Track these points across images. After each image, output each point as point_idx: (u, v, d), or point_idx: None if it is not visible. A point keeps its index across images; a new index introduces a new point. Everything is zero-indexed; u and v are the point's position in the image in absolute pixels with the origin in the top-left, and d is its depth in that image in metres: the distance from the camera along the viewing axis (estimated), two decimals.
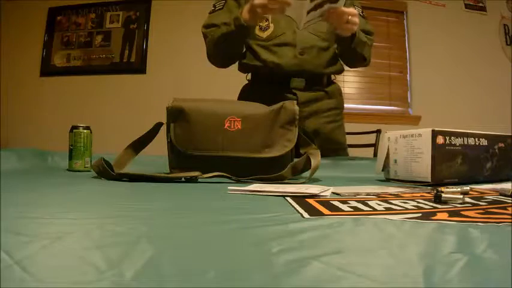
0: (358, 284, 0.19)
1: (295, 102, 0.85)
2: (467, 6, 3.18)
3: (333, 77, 1.25)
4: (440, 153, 0.69)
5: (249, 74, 1.23)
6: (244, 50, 1.21)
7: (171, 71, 2.91)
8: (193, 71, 2.83)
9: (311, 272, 0.20)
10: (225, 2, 1.18)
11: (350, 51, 1.12)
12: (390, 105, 3.07)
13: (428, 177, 0.69)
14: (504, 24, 3.20)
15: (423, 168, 0.70)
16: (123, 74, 2.97)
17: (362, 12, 1.21)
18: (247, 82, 1.25)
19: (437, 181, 0.68)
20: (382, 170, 0.82)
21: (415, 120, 2.97)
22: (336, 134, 1.23)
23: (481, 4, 3.20)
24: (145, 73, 2.96)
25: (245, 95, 1.23)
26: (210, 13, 1.21)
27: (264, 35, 1.15)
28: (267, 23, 1.15)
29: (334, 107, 1.23)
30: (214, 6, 1.21)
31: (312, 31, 1.14)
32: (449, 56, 3.10)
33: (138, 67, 2.96)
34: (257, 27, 1.15)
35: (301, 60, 1.13)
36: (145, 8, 3.01)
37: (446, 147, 0.70)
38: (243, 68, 1.23)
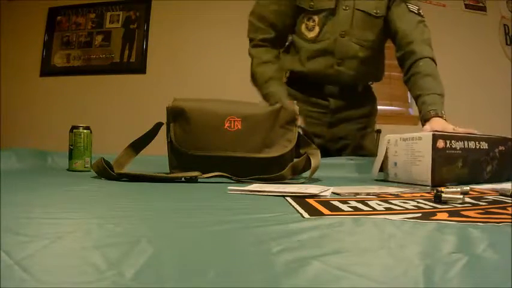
0: (358, 284, 0.19)
1: (295, 102, 0.85)
2: (467, 6, 3.18)
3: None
4: (440, 157, 0.69)
5: (288, 73, 1.20)
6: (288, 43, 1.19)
7: (171, 71, 2.91)
8: (193, 71, 2.83)
9: (311, 271, 0.20)
10: None
11: None
12: (390, 105, 3.07)
13: (428, 181, 0.68)
14: (504, 24, 3.20)
15: (423, 171, 0.69)
16: (123, 74, 2.97)
17: (418, 10, 1.13)
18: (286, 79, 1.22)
19: (437, 184, 0.68)
20: (380, 171, 0.82)
21: (415, 120, 2.96)
22: (364, 140, 1.21)
23: (481, 4, 3.20)
24: (145, 73, 2.96)
25: None
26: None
27: (309, 35, 1.12)
28: (313, 24, 1.12)
29: (366, 114, 1.21)
30: None
31: (356, 40, 1.10)
32: (449, 56, 3.09)
33: (138, 67, 2.95)
34: (303, 25, 1.13)
35: (337, 70, 1.11)
36: (145, 8, 3.01)
37: (447, 151, 0.70)
38: (284, 65, 1.20)
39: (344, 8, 1.09)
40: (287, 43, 1.20)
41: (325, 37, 1.10)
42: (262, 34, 1.15)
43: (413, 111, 3.05)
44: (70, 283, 0.18)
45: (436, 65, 1.11)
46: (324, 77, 1.12)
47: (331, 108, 1.13)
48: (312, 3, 1.10)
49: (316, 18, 1.11)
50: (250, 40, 1.18)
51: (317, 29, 1.11)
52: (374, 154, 1.25)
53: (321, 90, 1.14)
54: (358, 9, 1.09)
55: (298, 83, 1.17)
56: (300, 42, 1.14)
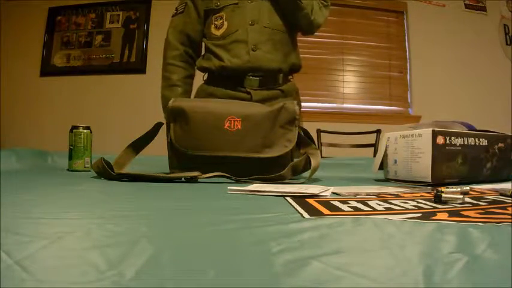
0: (358, 284, 0.19)
1: (295, 102, 0.85)
2: (467, 6, 3.18)
3: (290, 77, 1.25)
4: (440, 153, 0.69)
5: (206, 74, 1.23)
6: (202, 52, 1.25)
7: None
8: None
9: (311, 272, 0.20)
10: (185, 5, 1.21)
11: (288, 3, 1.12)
12: (390, 105, 3.07)
13: (428, 177, 0.69)
14: (504, 24, 3.20)
15: (423, 168, 0.70)
16: (123, 74, 2.97)
17: None
18: (202, 82, 1.24)
19: (437, 181, 0.68)
20: (380, 170, 0.82)
21: (415, 120, 2.97)
22: None
23: (481, 4, 3.20)
24: (145, 73, 2.96)
25: (200, 96, 1.22)
26: (172, 16, 1.25)
27: (219, 32, 1.16)
28: (221, 21, 1.15)
29: None
30: (176, 9, 1.25)
31: (267, 25, 1.14)
32: (449, 56, 3.10)
33: (138, 67, 2.96)
34: (212, 25, 1.17)
35: (253, 56, 1.12)
36: (145, 8, 3.01)
37: (447, 147, 0.70)
38: (201, 69, 1.23)
39: (249, 1, 1.14)
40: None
41: (235, 29, 1.14)
42: (172, 51, 1.22)
43: (413, 111, 3.05)
44: (70, 283, 0.18)
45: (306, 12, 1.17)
46: (242, 66, 1.13)
47: (254, 100, 1.12)
48: (218, 3, 1.15)
49: (223, 14, 1.15)
50: (163, 60, 1.24)
51: (226, 24, 1.15)
52: None
53: (242, 83, 1.15)
54: (264, 0, 1.14)
55: (218, 79, 1.18)
56: (212, 43, 1.17)
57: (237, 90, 1.14)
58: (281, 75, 1.18)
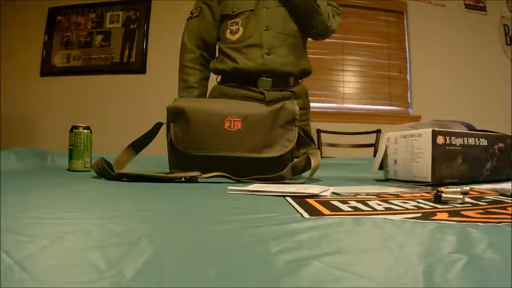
0: (358, 284, 0.19)
1: (295, 102, 0.85)
2: (467, 6, 3.18)
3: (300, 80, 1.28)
4: (440, 153, 0.69)
5: (219, 76, 1.25)
6: (216, 54, 1.27)
7: (171, 71, 2.90)
8: None
9: (311, 272, 0.20)
10: (201, 8, 1.24)
11: (301, 7, 1.14)
12: (390, 105, 3.07)
13: (428, 177, 0.69)
14: (504, 24, 3.20)
15: (423, 168, 0.70)
16: (123, 74, 2.97)
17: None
18: (217, 82, 1.27)
19: (437, 181, 0.68)
20: (380, 170, 0.82)
21: (415, 120, 2.96)
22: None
23: (481, 4, 3.20)
24: (145, 73, 2.96)
25: (214, 95, 1.25)
26: (188, 20, 1.28)
27: (234, 37, 1.19)
28: (237, 26, 1.18)
29: (300, 107, 1.24)
30: (191, 13, 1.27)
31: (281, 30, 1.16)
32: (449, 56, 3.10)
33: (138, 67, 2.96)
34: (228, 30, 1.20)
35: (267, 60, 1.15)
36: (145, 8, 3.01)
37: (447, 147, 0.70)
38: (214, 71, 1.26)
39: (265, 8, 1.16)
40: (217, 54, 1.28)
41: (250, 34, 1.16)
42: (189, 54, 1.25)
43: (413, 111, 3.05)
44: (70, 283, 0.18)
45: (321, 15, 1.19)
46: (256, 69, 1.15)
47: (267, 100, 1.14)
48: (234, 9, 1.18)
49: (239, 20, 1.18)
50: (179, 62, 1.27)
51: (241, 29, 1.18)
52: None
53: (255, 84, 1.17)
54: (280, 6, 1.17)
55: (232, 80, 1.20)
56: (227, 47, 1.19)
57: (251, 91, 1.17)
58: (292, 78, 1.20)
